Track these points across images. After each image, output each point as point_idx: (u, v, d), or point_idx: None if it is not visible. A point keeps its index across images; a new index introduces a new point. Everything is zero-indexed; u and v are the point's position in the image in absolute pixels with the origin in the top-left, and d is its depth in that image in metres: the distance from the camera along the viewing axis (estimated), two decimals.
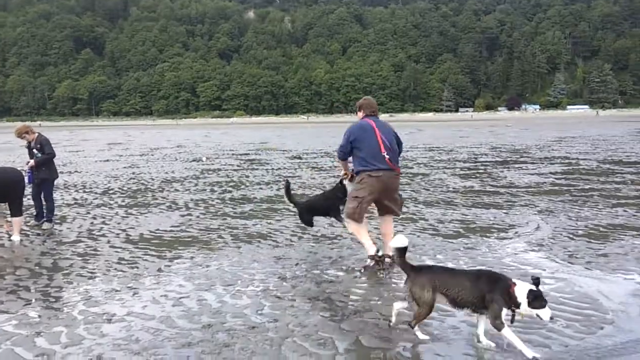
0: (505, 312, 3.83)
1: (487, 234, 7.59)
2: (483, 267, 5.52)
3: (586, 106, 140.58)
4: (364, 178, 6.05)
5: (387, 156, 5.93)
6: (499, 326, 3.82)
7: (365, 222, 6.37)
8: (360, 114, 6.35)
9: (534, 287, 3.76)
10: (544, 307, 3.73)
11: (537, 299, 3.73)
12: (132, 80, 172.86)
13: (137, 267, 6.32)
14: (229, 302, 5.08)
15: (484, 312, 3.93)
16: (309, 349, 4.03)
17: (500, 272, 4.31)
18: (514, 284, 3.85)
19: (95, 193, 12.70)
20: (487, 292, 3.85)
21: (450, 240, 7.24)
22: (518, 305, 3.79)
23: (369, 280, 5.69)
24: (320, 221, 8.67)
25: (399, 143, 6.26)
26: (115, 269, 6.28)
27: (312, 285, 5.51)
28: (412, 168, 17.21)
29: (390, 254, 6.01)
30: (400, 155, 6.36)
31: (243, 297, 5.20)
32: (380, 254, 6.02)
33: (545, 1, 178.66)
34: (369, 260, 6.07)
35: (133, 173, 17.21)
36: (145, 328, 4.49)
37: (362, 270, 5.98)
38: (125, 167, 19.28)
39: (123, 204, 11.01)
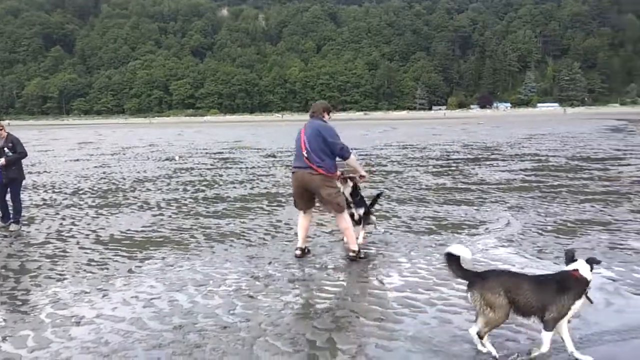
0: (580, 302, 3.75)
1: (459, 230, 7.68)
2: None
3: (556, 104, 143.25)
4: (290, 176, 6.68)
5: (305, 155, 6.17)
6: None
7: (304, 219, 6.61)
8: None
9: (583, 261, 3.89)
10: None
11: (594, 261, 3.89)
12: (104, 78, 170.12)
13: (107, 269, 6.23)
14: (201, 302, 5.04)
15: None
16: (281, 347, 4.02)
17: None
18: (575, 270, 3.85)
19: (65, 193, 12.48)
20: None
21: (422, 237, 7.31)
22: (589, 283, 3.81)
23: (341, 278, 5.70)
24: (294, 219, 8.68)
25: (326, 140, 6.17)
26: (85, 270, 6.18)
27: (285, 283, 5.50)
28: (385, 166, 17.32)
29: (303, 246, 6.54)
30: (339, 156, 6.29)
31: (215, 297, 5.17)
32: (297, 252, 6.47)
33: (516, 0, 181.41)
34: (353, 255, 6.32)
35: (104, 173, 16.95)
36: (115, 330, 4.43)
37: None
38: (96, 167, 18.98)
39: (93, 204, 10.84)
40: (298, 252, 6.45)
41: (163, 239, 7.63)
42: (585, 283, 3.78)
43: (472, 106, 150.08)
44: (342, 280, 5.60)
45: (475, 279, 3.88)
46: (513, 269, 5.68)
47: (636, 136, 31.32)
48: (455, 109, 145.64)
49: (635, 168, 15.06)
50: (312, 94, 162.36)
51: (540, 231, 7.54)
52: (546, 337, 3.74)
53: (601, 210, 8.92)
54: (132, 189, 13.03)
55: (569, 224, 7.96)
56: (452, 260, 3.90)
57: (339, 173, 6.50)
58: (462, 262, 3.90)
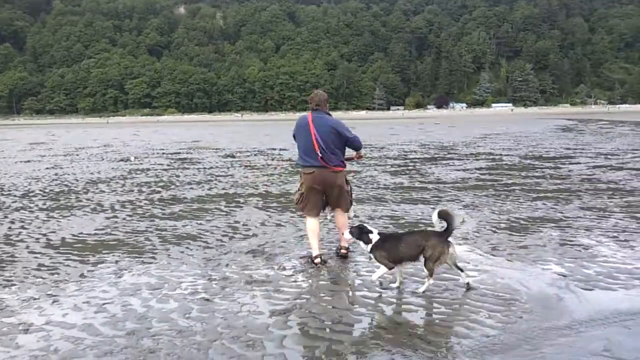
0: None
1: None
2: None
3: (510, 104, 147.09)
4: (301, 174, 6.24)
5: (319, 154, 5.89)
6: None
7: (318, 224, 6.31)
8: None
9: None
10: None
11: None
12: (56, 76, 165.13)
13: (58, 273, 6.04)
14: (155, 306, 4.93)
15: None
16: (237, 351, 3.98)
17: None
18: None
19: (15, 196, 12.03)
20: None
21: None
22: None
23: (299, 279, 5.68)
24: (252, 220, 8.62)
25: (347, 137, 6.05)
26: (34, 275, 5.97)
27: (242, 285, 5.44)
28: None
29: (346, 245, 6.33)
30: (353, 149, 6.28)
31: (170, 300, 5.07)
32: (317, 260, 6.06)
33: (471, 2, 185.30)
34: (310, 257, 6.21)
35: (56, 174, 16.44)
36: (65, 337, 4.29)
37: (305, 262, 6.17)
38: (47, 168, 18.39)
39: (44, 206, 10.49)
40: (318, 260, 6.04)
41: (117, 242, 7.44)
42: None
43: (429, 106, 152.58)
44: (300, 281, 5.58)
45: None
46: (468, 266, 5.80)
47: (586, 135, 32.42)
48: (412, 109, 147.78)
49: (585, 166, 15.58)
50: (271, 93, 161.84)
51: (494, 229, 7.71)
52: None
53: (552, 208, 9.19)
54: (85, 190, 12.68)
55: (521, 222, 8.16)
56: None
57: None
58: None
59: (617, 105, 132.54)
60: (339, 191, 6.14)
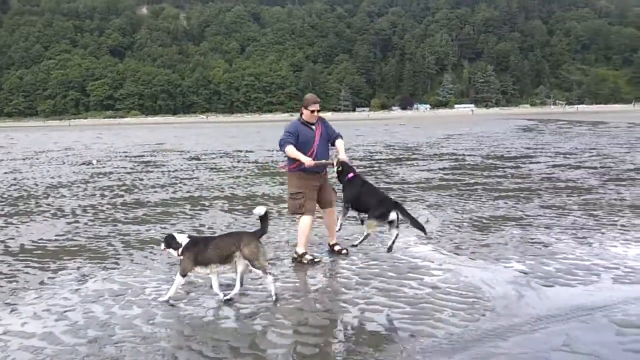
0: None
1: (381, 230, 7.82)
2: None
3: (472, 105, 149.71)
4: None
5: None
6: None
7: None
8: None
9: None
10: None
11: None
12: (14, 78, 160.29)
13: (17, 281, 5.87)
14: (118, 313, 4.85)
15: None
16: (202, 356, 3.94)
17: None
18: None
19: None
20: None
21: (345, 238, 7.37)
22: None
23: (258, 278, 5.64)
24: (217, 223, 8.55)
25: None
26: None
27: (208, 290, 5.39)
28: None
29: (333, 242, 6.67)
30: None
31: (133, 307, 4.99)
32: (308, 257, 6.31)
33: (434, 5, 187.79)
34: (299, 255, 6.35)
35: (14, 179, 15.98)
36: (24, 347, 4.18)
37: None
38: (5, 173, 17.86)
39: (2, 212, 10.18)
40: (309, 257, 6.28)
41: (78, 247, 7.28)
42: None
43: (393, 107, 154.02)
44: (267, 284, 5.55)
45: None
46: (432, 265, 5.88)
47: (545, 135, 33.26)
48: (378, 110, 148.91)
49: (545, 165, 15.98)
50: (237, 95, 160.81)
51: (457, 228, 7.84)
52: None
53: (513, 207, 9.39)
54: (45, 195, 12.36)
55: (484, 220, 8.32)
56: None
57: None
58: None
59: (576, 106, 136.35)
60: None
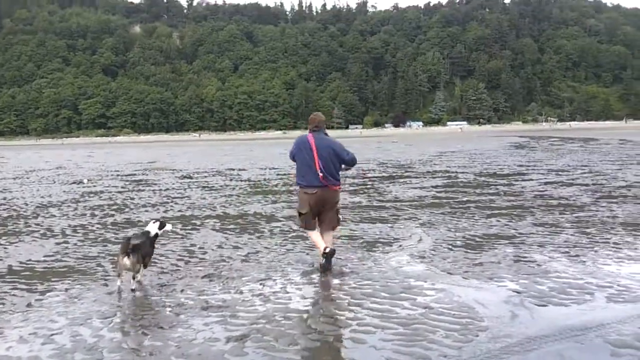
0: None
1: (373, 249, 7.78)
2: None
3: (464, 122, 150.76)
4: (300, 194, 6.56)
5: (320, 174, 6.20)
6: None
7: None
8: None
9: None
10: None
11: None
12: (6, 97, 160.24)
13: (3, 304, 5.76)
14: (107, 336, 4.75)
15: None
16: None
17: None
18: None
19: None
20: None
21: (338, 257, 7.31)
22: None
23: (257, 302, 5.57)
24: (209, 242, 8.47)
25: (343, 159, 6.45)
26: None
27: (198, 312, 5.31)
28: None
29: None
30: (352, 168, 6.82)
31: (122, 329, 4.89)
32: (327, 250, 6.42)
33: (425, 24, 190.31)
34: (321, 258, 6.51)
35: (4, 198, 15.83)
36: None
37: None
38: None
39: None
40: (328, 249, 6.39)
41: (67, 268, 7.18)
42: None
43: (386, 125, 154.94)
44: (258, 305, 5.47)
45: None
46: (425, 285, 5.84)
47: (537, 152, 33.45)
48: (370, 127, 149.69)
49: (537, 183, 16.02)
50: (229, 113, 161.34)
51: (450, 246, 7.80)
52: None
53: (506, 225, 9.37)
54: (34, 215, 12.23)
55: (476, 239, 8.29)
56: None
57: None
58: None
59: (569, 123, 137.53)
60: (331, 208, 6.56)
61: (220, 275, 6.58)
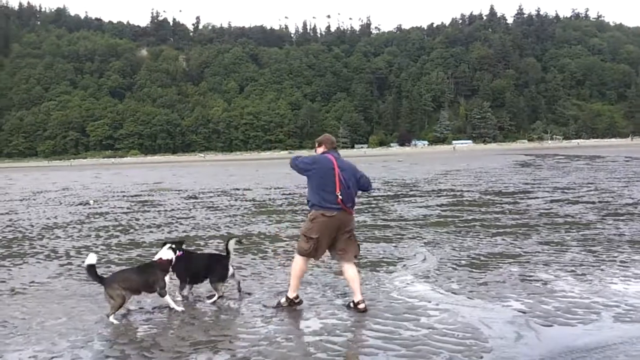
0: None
1: (377, 268, 7.73)
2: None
3: (469, 141, 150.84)
4: (317, 217, 5.85)
5: (340, 196, 5.73)
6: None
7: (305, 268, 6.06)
8: (320, 150, 6.15)
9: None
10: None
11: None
12: (15, 119, 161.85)
13: (5, 326, 5.73)
14: (110, 358, 4.71)
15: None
16: None
17: None
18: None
19: None
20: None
21: (340, 277, 7.24)
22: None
23: (258, 323, 5.52)
24: None
25: (362, 184, 6.04)
26: None
27: (200, 334, 5.26)
28: (307, 204, 17.32)
29: (357, 299, 5.79)
30: (369, 191, 6.43)
31: (124, 352, 4.85)
32: (297, 300, 5.93)
33: (429, 44, 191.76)
34: (283, 300, 5.98)
35: (10, 220, 15.87)
36: None
37: (274, 306, 6.00)
38: (1, 214, 17.76)
39: None
40: (298, 299, 5.95)
41: (70, 290, 7.15)
42: (168, 262, 5.94)
43: (392, 144, 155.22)
44: (259, 327, 5.43)
45: (104, 280, 5.71)
46: (429, 305, 5.77)
47: (543, 170, 33.33)
48: (376, 146, 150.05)
49: (543, 201, 15.92)
50: (236, 133, 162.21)
51: (454, 266, 7.73)
52: (167, 300, 5.91)
53: (511, 243, 9.30)
54: (40, 236, 12.25)
55: (481, 258, 8.22)
56: (91, 269, 5.69)
57: None
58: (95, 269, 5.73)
59: (577, 141, 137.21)
60: (349, 235, 5.96)
61: (222, 297, 6.54)
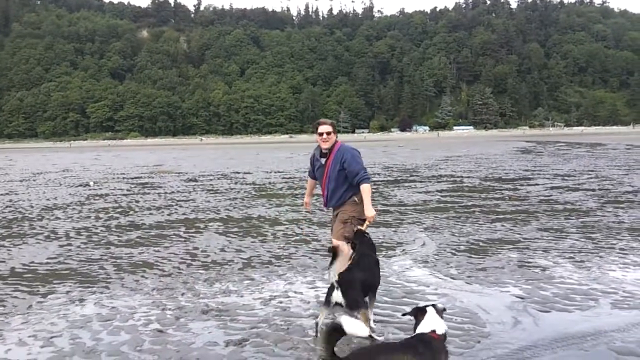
0: None
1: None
2: None
3: (471, 127, 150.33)
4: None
5: (324, 197, 5.52)
6: None
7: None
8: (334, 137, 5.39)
9: None
10: None
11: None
12: (15, 100, 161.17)
13: (4, 306, 5.76)
14: (106, 339, 4.74)
15: None
16: None
17: None
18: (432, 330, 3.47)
19: None
20: None
21: None
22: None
23: (257, 306, 5.54)
24: (211, 246, 8.45)
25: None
26: None
27: (198, 315, 5.28)
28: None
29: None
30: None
31: (121, 332, 4.88)
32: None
33: (431, 29, 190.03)
34: None
35: (10, 200, 15.89)
36: None
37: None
38: (1, 194, 17.77)
39: None
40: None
41: (69, 271, 7.17)
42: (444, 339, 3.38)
43: (393, 129, 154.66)
44: (258, 309, 5.45)
45: None
46: (427, 290, 5.79)
47: (544, 157, 33.25)
48: (377, 132, 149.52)
49: (543, 187, 15.91)
50: (236, 116, 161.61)
51: (453, 251, 7.74)
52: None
53: (511, 229, 9.31)
54: (39, 217, 12.27)
55: (480, 244, 8.23)
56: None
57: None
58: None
59: (581, 128, 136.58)
60: (341, 218, 5.37)
61: (222, 279, 6.56)
